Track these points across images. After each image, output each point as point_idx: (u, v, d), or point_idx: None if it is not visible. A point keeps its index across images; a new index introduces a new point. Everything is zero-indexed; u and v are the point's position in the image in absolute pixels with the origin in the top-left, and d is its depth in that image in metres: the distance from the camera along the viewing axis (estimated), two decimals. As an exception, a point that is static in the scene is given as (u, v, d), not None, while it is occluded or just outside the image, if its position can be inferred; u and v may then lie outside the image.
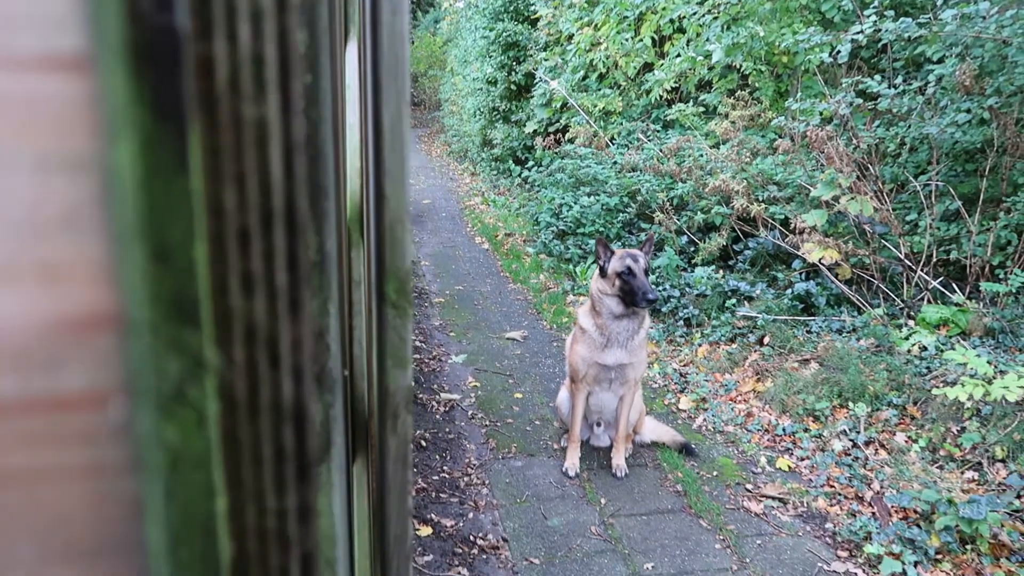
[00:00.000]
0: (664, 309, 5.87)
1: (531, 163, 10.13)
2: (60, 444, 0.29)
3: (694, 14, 7.22)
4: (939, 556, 3.04)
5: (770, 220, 5.92)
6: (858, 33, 5.09)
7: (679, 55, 7.59)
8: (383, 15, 0.53)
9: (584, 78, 9.58)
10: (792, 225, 5.47)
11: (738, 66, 7.24)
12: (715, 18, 7.01)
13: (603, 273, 3.64)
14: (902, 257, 5.13)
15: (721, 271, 6.13)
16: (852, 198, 4.95)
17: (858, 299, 5.24)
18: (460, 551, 3.16)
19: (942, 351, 4.28)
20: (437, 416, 4.41)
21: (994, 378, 3.58)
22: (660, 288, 5.93)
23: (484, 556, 3.15)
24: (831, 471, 3.72)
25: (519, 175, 10.85)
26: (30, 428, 0.29)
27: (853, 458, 3.81)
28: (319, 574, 0.35)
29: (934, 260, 5.08)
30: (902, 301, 5.12)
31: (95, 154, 0.32)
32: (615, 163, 7.81)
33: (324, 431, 0.44)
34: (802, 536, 3.29)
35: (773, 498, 3.58)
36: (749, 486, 3.69)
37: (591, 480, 3.76)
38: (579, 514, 3.46)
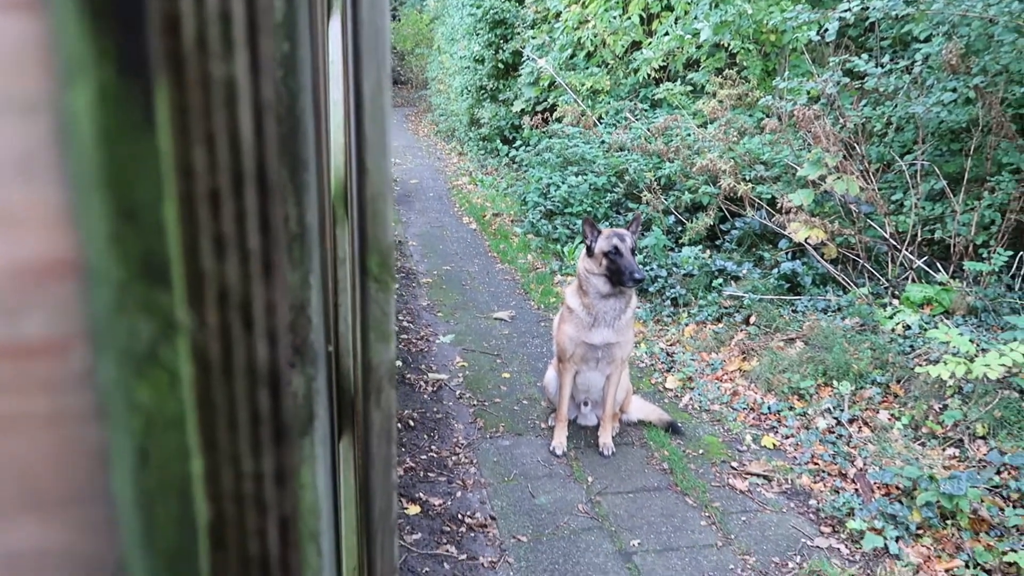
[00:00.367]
0: (651, 289, 5.89)
1: (519, 142, 10.09)
2: (23, 392, 0.29)
3: (682, -8, 7.18)
4: (920, 531, 3.08)
5: (757, 200, 5.93)
6: (846, 11, 5.08)
7: (667, 33, 7.55)
8: (362, -16, 0.52)
9: (572, 56, 9.52)
10: (779, 205, 5.48)
11: (726, 45, 7.21)
12: (703, -4, 6.97)
13: (590, 252, 3.64)
14: (887, 237, 5.16)
15: (708, 251, 6.15)
16: (838, 178, 4.96)
17: (843, 278, 5.27)
18: (448, 529, 3.18)
19: (925, 330, 4.31)
20: (425, 396, 4.42)
21: (976, 356, 3.62)
22: (647, 268, 5.94)
23: (472, 534, 3.17)
24: (815, 448, 3.76)
25: (507, 155, 10.81)
26: None
27: (837, 436, 3.85)
28: (297, 538, 0.35)
29: (919, 240, 5.11)
30: (887, 280, 5.15)
31: (49, 97, 0.31)
32: (603, 142, 7.79)
33: (307, 404, 0.43)
34: (786, 512, 3.33)
35: (758, 475, 3.62)
36: (734, 464, 3.73)
37: (578, 459, 3.79)
38: (566, 492, 3.49)
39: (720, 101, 6.67)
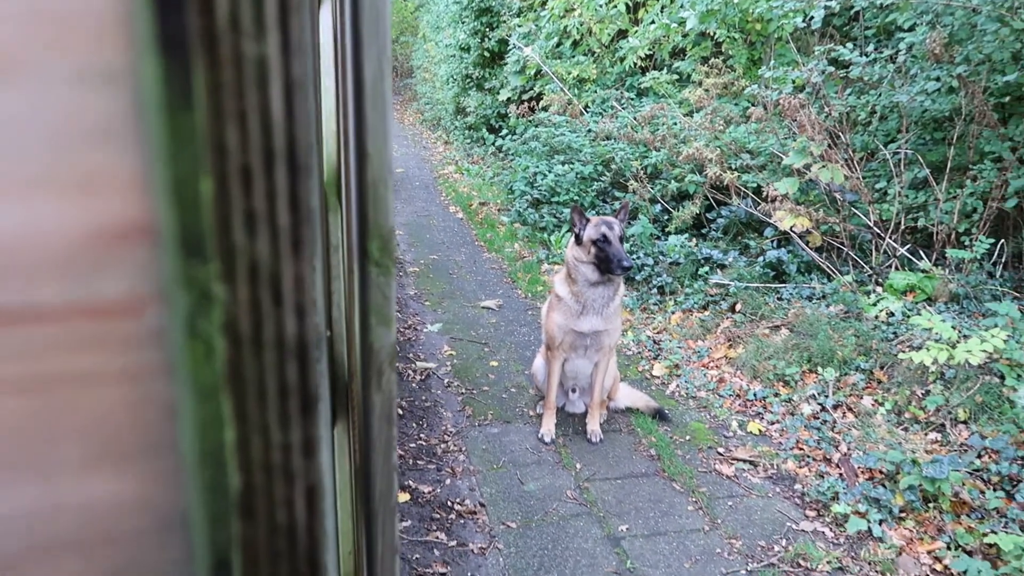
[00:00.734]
0: (638, 277, 5.91)
1: (505, 131, 10.07)
2: (100, 349, 0.30)
3: (668, -20, 7.18)
4: (903, 514, 3.13)
5: (743, 188, 5.96)
6: None
7: (653, 22, 7.56)
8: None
9: (558, 45, 9.50)
10: (764, 193, 5.51)
11: (712, 33, 7.23)
12: (689, -15, 6.97)
13: (578, 241, 3.65)
14: (871, 225, 5.21)
15: (694, 239, 6.18)
16: (823, 166, 5.00)
17: (828, 266, 5.32)
18: (438, 516, 3.20)
19: (908, 317, 4.37)
20: (413, 384, 4.43)
21: (958, 342, 3.68)
22: (634, 256, 5.97)
23: (462, 521, 3.19)
24: (800, 434, 3.80)
25: (493, 143, 10.79)
26: (72, 334, 0.30)
27: (821, 421, 3.89)
28: (323, 508, 0.36)
29: (902, 227, 5.16)
30: (871, 268, 5.21)
31: (128, 68, 0.32)
32: (589, 131, 7.80)
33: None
34: (772, 497, 3.37)
35: (744, 461, 3.66)
36: (721, 450, 3.77)
37: (567, 446, 3.81)
38: (555, 479, 3.51)
39: (706, 90, 6.69)
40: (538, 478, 3.52)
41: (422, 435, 3.86)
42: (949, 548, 2.92)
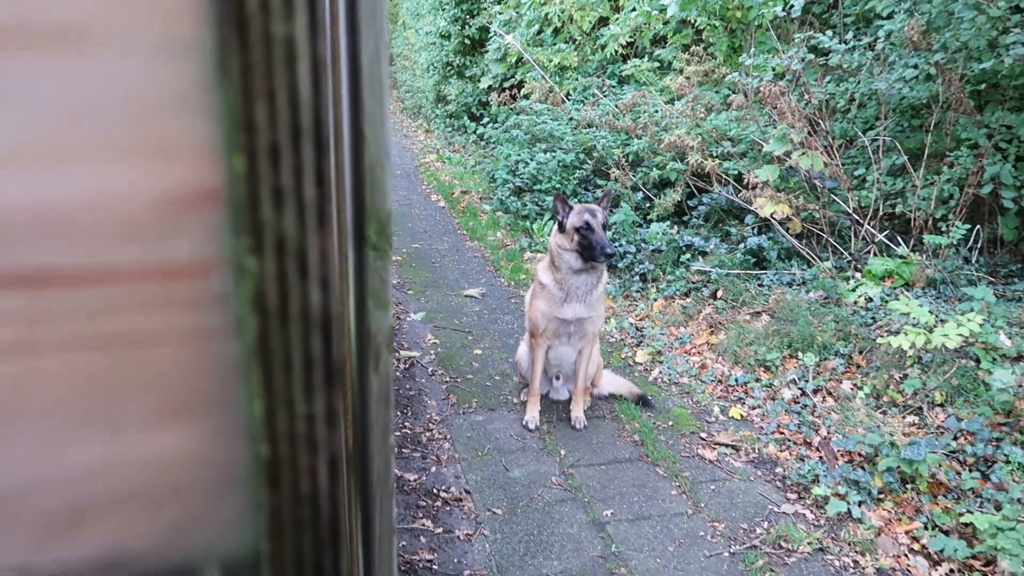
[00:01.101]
0: (620, 265, 5.94)
1: (486, 119, 10.05)
2: (169, 309, 0.31)
3: (649, -32, 7.17)
4: (882, 496, 3.19)
5: (724, 176, 6.00)
6: (811, -12, 5.13)
7: (634, 9, 7.55)
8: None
9: (539, 32, 9.48)
10: (745, 180, 5.55)
11: (692, 21, 7.25)
12: (670, -28, 6.97)
13: (562, 228, 3.66)
14: (850, 211, 5.27)
15: (676, 227, 6.22)
16: (803, 153, 5.04)
17: (808, 252, 5.37)
18: (424, 504, 3.21)
19: (887, 302, 4.43)
20: (397, 373, 4.43)
21: (935, 327, 3.73)
22: (616, 244, 5.99)
23: (448, 508, 3.20)
24: (781, 418, 3.85)
25: (474, 132, 10.76)
26: (144, 294, 0.30)
27: (802, 406, 3.94)
28: (345, 476, 0.36)
29: (880, 214, 5.22)
30: (849, 254, 5.27)
31: (199, 41, 0.32)
32: (571, 119, 7.80)
33: None
34: (754, 480, 3.42)
35: (726, 445, 3.70)
36: (703, 434, 3.81)
37: (551, 432, 3.84)
38: (540, 465, 3.53)
39: (687, 78, 6.72)
40: (523, 465, 3.54)
41: (407, 423, 3.87)
42: (926, 528, 2.98)
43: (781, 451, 3.63)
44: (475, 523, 3.11)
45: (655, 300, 5.44)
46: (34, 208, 0.29)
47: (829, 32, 5.43)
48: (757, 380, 4.25)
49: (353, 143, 0.59)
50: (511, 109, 8.87)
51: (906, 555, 2.88)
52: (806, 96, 5.47)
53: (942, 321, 3.89)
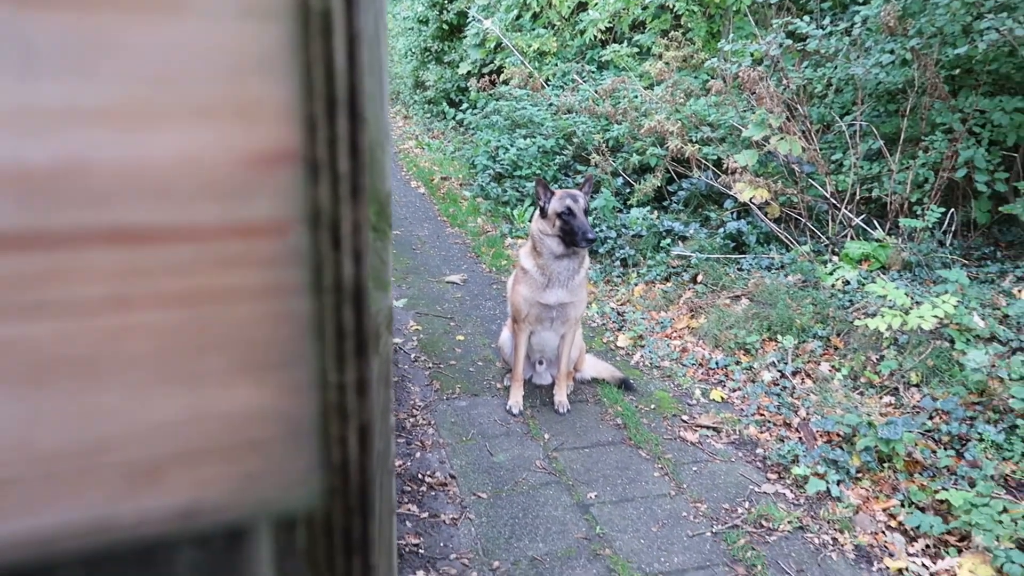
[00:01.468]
0: (601, 250, 5.96)
1: (465, 105, 10.01)
2: (249, 267, 0.31)
3: (628, -48, 7.17)
4: (860, 474, 3.25)
5: (703, 161, 6.03)
6: (789, -27, 5.15)
7: (613, -6, 7.55)
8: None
9: (518, 17, 9.44)
10: (724, 165, 5.59)
11: (671, 6, 7.25)
12: (649, -43, 6.97)
13: (543, 213, 3.67)
14: (828, 195, 5.32)
15: (656, 212, 6.25)
16: (781, 138, 5.08)
17: (786, 237, 5.43)
18: (409, 489, 3.23)
19: (863, 285, 4.49)
20: (380, 360, 4.43)
21: (911, 309, 3.80)
22: (597, 229, 6.02)
23: (433, 493, 3.22)
24: (761, 400, 3.90)
25: (453, 118, 10.72)
26: (226, 252, 0.31)
27: (781, 388, 4.00)
28: (374, 445, 0.37)
29: (857, 198, 5.28)
30: (827, 238, 5.33)
31: (284, 5, 0.33)
32: (551, 105, 7.80)
33: None
34: (735, 462, 3.47)
35: (707, 427, 3.75)
36: (685, 417, 3.85)
37: (534, 417, 3.86)
38: (524, 449, 3.56)
39: (666, 63, 6.73)
40: (507, 449, 3.56)
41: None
42: (903, 505, 3.04)
43: (761, 432, 3.68)
44: (460, 507, 3.13)
45: (636, 285, 5.47)
46: (126, 167, 0.29)
47: (806, 18, 5.47)
48: (737, 363, 4.30)
49: (349, 124, 0.60)
50: (490, 95, 8.85)
51: (883, 532, 2.94)
52: (784, 81, 5.51)
53: (917, 303, 3.96)
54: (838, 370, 4.03)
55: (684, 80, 6.48)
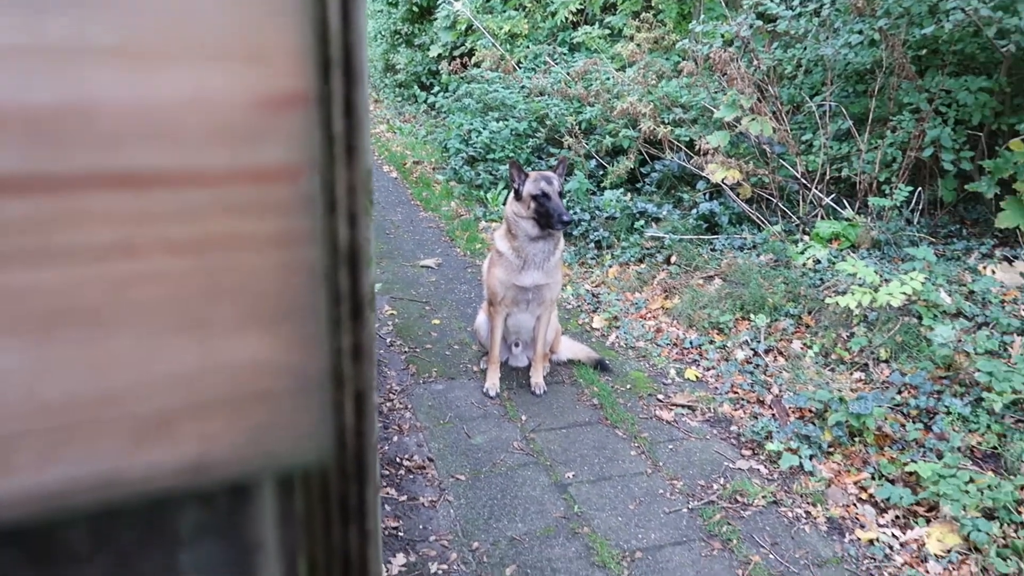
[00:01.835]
0: (575, 232, 5.98)
1: (437, 89, 9.94)
2: (259, 213, 0.31)
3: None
4: (831, 449, 3.31)
5: (675, 142, 6.06)
6: (759, -46, 5.17)
7: (584, -24, 7.52)
8: None
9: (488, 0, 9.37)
10: (696, 147, 5.62)
11: (642, -13, 7.24)
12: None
13: (518, 196, 3.66)
14: (798, 176, 5.38)
15: (629, 194, 6.27)
16: (753, 119, 5.12)
17: (758, 217, 5.48)
18: (387, 472, 3.23)
19: (834, 263, 4.56)
20: (355, 345, 4.41)
21: (880, 286, 3.86)
22: (572, 212, 6.02)
23: (411, 476, 3.22)
24: (735, 378, 3.95)
25: (425, 101, 10.63)
26: (236, 197, 0.30)
27: (754, 366, 4.05)
28: (370, 411, 0.37)
29: (827, 178, 5.35)
30: (798, 218, 5.39)
31: None
32: (523, 87, 7.76)
33: None
34: (710, 439, 3.52)
35: (682, 406, 3.79)
36: (660, 396, 3.89)
37: (511, 399, 3.87)
38: (501, 431, 3.57)
39: (638, 44, 6.73)
40: (485, 431, 3.57)
41: (367, 394, 3.86)
42: (873, 478, 3.11)
43: (735, 410, 3.73)
44: (439, 490, 3.14)
45: (610, 267, 5.50)
46: (134, 108, 0.29)
47: (777, -2, 5.49)
48: (711, 342, 4.35)
49: None
50: (462, 78, 8.78)
51: (855, 504, 3.00)
52: (755, 62, 5.54)
53: (886, 281, 4.02)
54: (810, 347, 4.09)
55: (656, 62, 6.49)
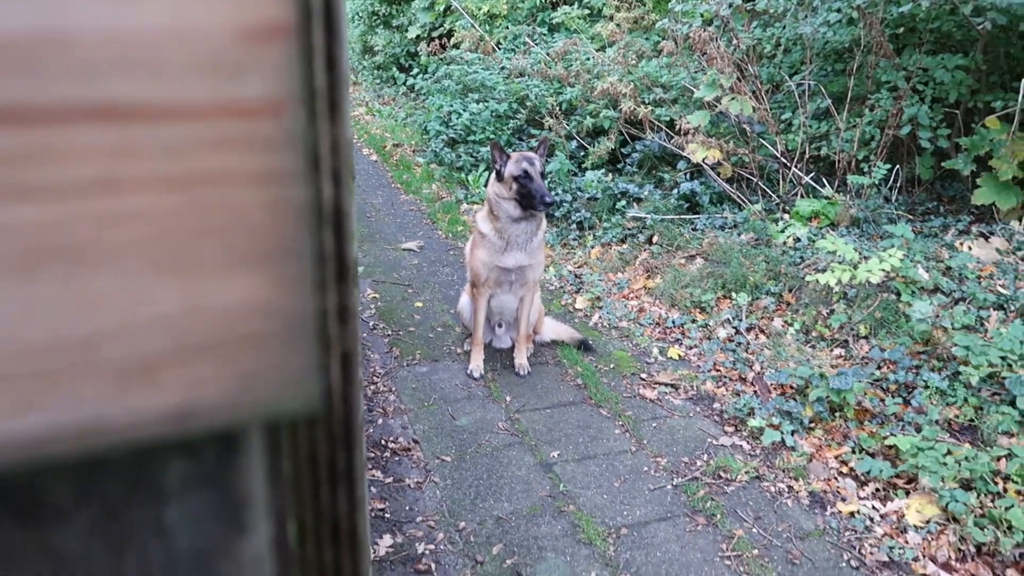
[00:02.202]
0: (557, 214, 5.97)
1: (416, 70, 9.85)
2: (243, 149, 0.30)
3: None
4: (813, 424, 3.36)
5: (656, 122, 6.06)
6: (738, -68, 5.16)
7: (563, -45, 7.47)
8: None
9: (467, -21, 9.28)
10: (677, 127, 5.63)
11: (622, -33, 7.20)
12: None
13: (499, 177, 3.65)
14: (778, 155, 5.40)
15: (611, 174, 6.27)
16: (733, 98, 5.13)
17: (739, 196, 5.50)
18: (373, 455, 3.23)
19: (814, 241, 4.59)
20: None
21: (859, 263, 3.90)
22: (553, 193, 6.01)
23: (397, 458, 3.23)
24: (717, 357, 3.98)
25: (404, 83, 10.54)
26: (216, 132, 0.29)
27: (736, 344, 4.09)
28: (357, 374, 0.37)
29: (807, 156, 5.38)
30: (778, 197, 5.42)
31: None
32: (503, 68, 7.72)
33: None
34: (693, 416, 3.55)
35: (666, 384, 3.82)
36: (643, 375, 3.91)
37: (495, 380, 3.88)
38: (486, 412, 3.58)
39: (617, 24, 6.71)
40: (469, 412, 3.58)
41: (351, 378, 3.85)
42: (854, 452, 3.15)
43: (718, 387, 3.76)
44: (425, 471, 3.15)
45: (592, 247, 5.50)
46: (112, 37, 0.27)
47: (756, -23, 5.49)
48: (693, 321, 4.38)
49: None
50: (441, 59, 8.71)
51: (836, 478, 3.05)
52: (734, 42, 5.54)
53: (865, 258, 4.06)
54: (790, 325, 4.13)
55: (636, 41, 6.48)
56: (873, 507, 2.86)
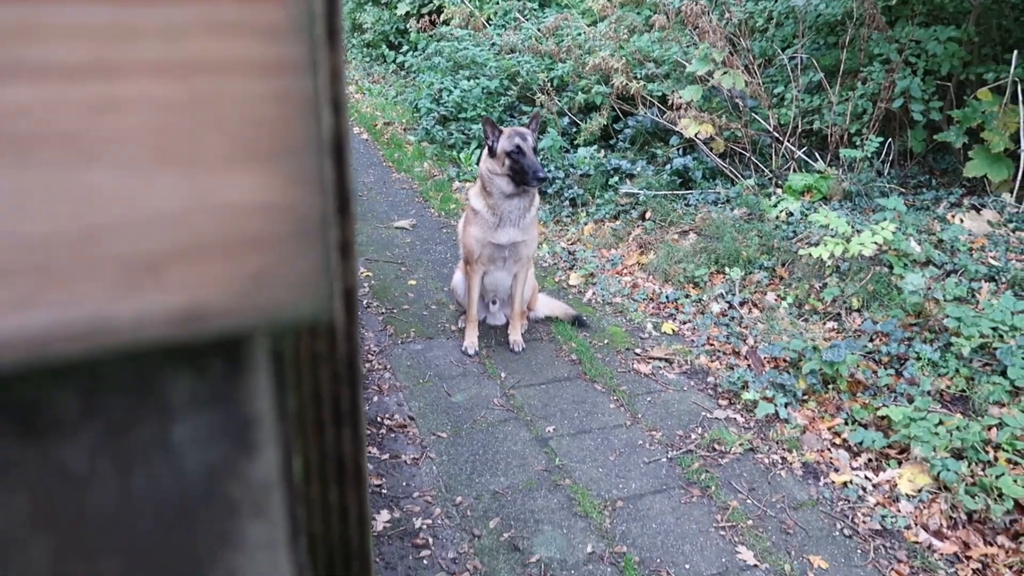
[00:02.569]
0: (550, 191, 5.95)
1: (406, 48, 9.76)
2: (245, 35, 0.28)
3: None
4: (806, 397, 3.38)
5: (648, 97, 6.03)
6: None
7: (553, -72, 7.38)
8: None
9: (456, -46, 9.17)
10: (669, 102, 5.60)
11: (613, -60, 7.12)
12: None
13: (492, 153, 3.63)
14: (771, 129, 5.39)
15: (603, 151, 6.24)
16: (725, 72, 5.10)
17: (731, 171, 5.50)
18: (369, 432, 3.23)
19: (806, 215, 4.60)
20: (332, 307, 4.38)
21: (851, 237, 3.91)
22: (546, 170, 5.99)
23: (393, 435, 3.24)
24: (711, 331, 4.00)
25: (394, 61, 10.45)
26: (220, 16, 0.28)
27: (730, 318, 4.10)
28: (359, 311, 0.36)
29: (799, 131, 5.37)
30: (771, 171, 5.42)
31: None
32: (493, 44, 7.65)
33: None
34: (687, 390, 3.57)
35: (660, 359, 3.83)
36: (638, 350, 3.93)
37: (490, 357, 3.89)
38: (481, 389, 3.59)
39: (609, -1, 6.65)
40: (464, 389, 3.59)
41: (346, 356, 3.85)
42: (847, 423, 3.18)
43: (712, 361, 3.78)
44: (421, 447, 3.16)
45: (585, 224, 5.50)
46: None
47: (748, -51, 5.44)
48: (687, 296, 4.39)
49: None
50: (431, 36, 8.63)
51: (829, 449, 3.07)
52: (726, 15, 5.51)
53: (858, 231, 4.07)
54: (783, 299, 4.14)
55: (627, 16, 6.43)
56: (866, 477, 2.89)
